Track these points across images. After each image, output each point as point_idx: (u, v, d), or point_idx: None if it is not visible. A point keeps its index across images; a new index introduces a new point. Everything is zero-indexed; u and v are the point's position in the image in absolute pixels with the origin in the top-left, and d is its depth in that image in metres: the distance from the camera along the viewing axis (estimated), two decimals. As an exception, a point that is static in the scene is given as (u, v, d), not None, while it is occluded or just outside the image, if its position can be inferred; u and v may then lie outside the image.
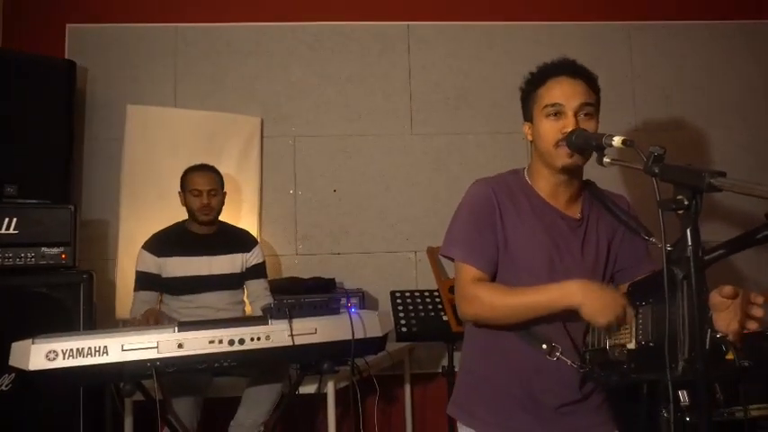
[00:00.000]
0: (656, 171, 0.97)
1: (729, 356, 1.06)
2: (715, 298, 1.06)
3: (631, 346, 1.15)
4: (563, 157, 1.30)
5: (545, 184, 1.38)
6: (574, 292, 1.22)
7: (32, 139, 2.56)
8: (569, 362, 1.31)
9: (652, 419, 1.77)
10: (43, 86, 2.62)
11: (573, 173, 1.35)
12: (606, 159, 1.17)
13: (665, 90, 3.25)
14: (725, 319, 1.06)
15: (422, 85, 3.16)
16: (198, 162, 2.58)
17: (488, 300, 1.31)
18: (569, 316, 1.25)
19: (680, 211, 0.91)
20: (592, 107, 1.32)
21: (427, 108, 3.16)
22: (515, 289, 1.30)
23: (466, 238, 1.36)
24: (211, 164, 2.60)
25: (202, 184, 2.48)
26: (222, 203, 2.56)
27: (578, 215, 1.39)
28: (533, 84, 1.37)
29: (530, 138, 1.41)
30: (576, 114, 1.29)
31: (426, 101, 3.16)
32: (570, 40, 3.19)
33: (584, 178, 1.43)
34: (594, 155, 1.22)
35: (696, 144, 3.23)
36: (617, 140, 1.09)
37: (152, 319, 2.23)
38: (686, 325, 0.96)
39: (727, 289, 1.03)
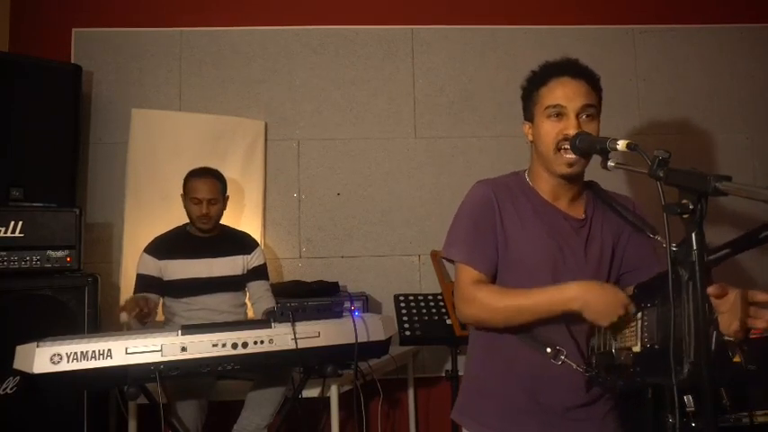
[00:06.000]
0: (661, 175, 0.96)
1: (737, 359, 1.05)
2: (714, 299, 1.03)
3: (636, 348, 1.14)
4: (562, 166, 1.29)
5: (546, 186, 1.37)
6: (574, 297, 1.20)
7: (38, 143, 2.58)
8: (575, 365, 1.29)
9: (657, 425, 1.76)
10: (49, 90, 2.63)
11: (573, 178, 1.34)
12: (611, 163, 1.16)
13: (669, 93, 3.24)
14: (726, 321, 1.05)
15: (426, 89, 3.17)
16: (202, 165, 2.58)
17: (487, 301, 1.30)
18: (572, 318, 1.23)
19: (685, 216, 0.91)
20: (594, 108, 1.31)
21: (431, 112, 3.16)
22: (515, 291, 1.28)
23: (466, 239, 1.35)
24: (215, 167, 2.59)
25: (203, 192, 2.46)
26: (223, 209, 2.55)
27: (582, 215, 1.37)
28: (535, 83, 1.35)
29: (530, 138, 1.39)
30: (577, 116, 1.28)
31: (430, 104, 3.16)
32: (574, 44, 3.19)
33: (588, 179, 1.41)
34: (596, 158, 1.21)
35: (701, 148, 3.22)
36: (621, 144, 1.08)
37: (131, 303, 2.16)
38: (692, 327, 0.94)
39: (712, 288, 0.99)
